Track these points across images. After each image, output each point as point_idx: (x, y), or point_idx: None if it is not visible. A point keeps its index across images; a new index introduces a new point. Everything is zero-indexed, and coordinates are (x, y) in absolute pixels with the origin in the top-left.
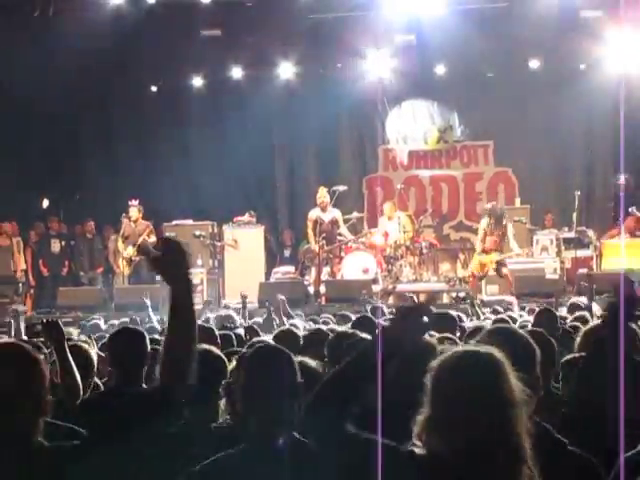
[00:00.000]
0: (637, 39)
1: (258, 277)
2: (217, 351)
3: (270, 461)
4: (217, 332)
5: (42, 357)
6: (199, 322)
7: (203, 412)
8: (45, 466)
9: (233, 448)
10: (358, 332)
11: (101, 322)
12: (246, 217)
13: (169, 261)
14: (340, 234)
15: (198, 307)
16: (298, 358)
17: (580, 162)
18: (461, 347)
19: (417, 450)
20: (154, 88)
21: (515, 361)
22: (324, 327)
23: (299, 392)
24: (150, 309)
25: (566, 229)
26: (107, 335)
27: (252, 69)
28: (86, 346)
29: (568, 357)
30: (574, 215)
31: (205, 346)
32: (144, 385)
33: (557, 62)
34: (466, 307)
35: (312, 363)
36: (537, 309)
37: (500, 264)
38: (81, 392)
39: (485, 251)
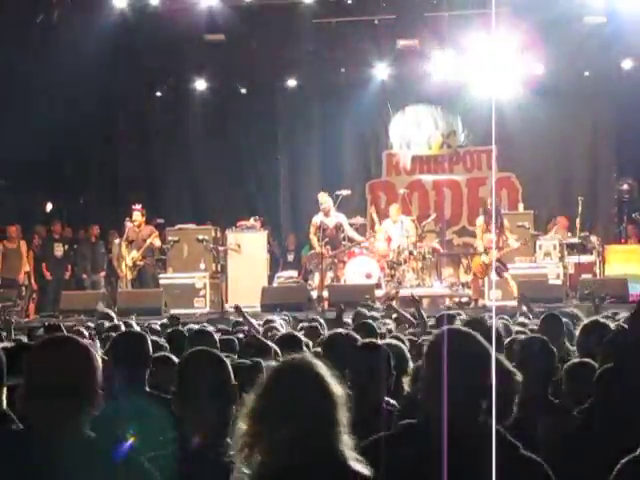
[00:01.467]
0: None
1: (261, 281)
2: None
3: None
4: (216, 336)
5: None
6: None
7: None
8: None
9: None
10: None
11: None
12: (251, 222)
13: None
14: (347, 238)
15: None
16: None
17: (583, 167)
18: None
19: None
20: (158, 93)
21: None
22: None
23: (233, 395)
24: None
25: (569, 234)
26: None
27: (256, 75)
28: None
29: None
30: (577, 221)
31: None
32: (147, 388)
33: (560, 67)
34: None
35: None
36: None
37: (501, 266)
38: None
39: (485, 250)
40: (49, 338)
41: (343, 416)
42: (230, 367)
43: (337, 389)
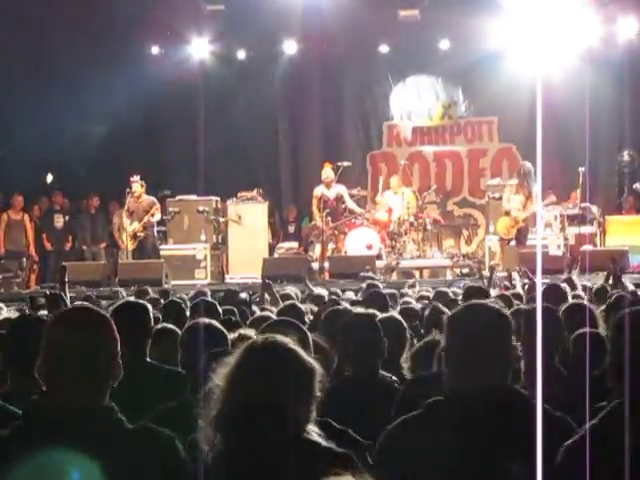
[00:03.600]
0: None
1: (262, 253)
2: (218, 325)
3: None
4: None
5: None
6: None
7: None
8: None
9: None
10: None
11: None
12: (252, 193)
13: None
14: (347, 209)
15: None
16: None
17: (584, 138)
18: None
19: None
20: (155, 50)
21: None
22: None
23: None
24: None
25: (570, 205)
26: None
27: (255, 45)
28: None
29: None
30: (578, 191)
31: (207, 320)
32: (148, 359)
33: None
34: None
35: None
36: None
37: (522, 231)
38: None
39: (511, 211)
40: (69, 309)
41: (309, 391)
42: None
43: (304, 365)
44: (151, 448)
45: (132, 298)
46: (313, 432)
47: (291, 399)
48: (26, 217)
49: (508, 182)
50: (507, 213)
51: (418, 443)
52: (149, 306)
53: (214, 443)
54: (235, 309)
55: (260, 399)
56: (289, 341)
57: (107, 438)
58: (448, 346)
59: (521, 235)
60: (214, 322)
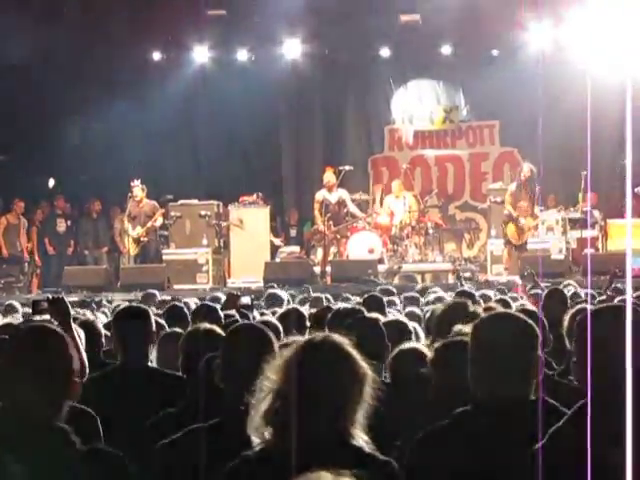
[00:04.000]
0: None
1: (264, 257)
2: (219, 330)
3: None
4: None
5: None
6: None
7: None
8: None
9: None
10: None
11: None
12: (253, 197)
13: None
14: (349, 213)
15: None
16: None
17: (586, 142)
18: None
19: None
20: (157, 55)
21: None
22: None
23: None
24: None
25: (572, 209)
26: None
27: (257, 48)
28: (92, 318)
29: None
30: (580, 195)
31: (207, 325)
32: (150, 364)
33: (561, 39)
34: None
35: None
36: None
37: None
38: (87, 370)
39: (518, 217)
40: (27, 328)
41: (360, 396)
42: (275, 341)
43: (360, 369)
44: (100, 470)
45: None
46: (359, 437)
47: (344, 400)
48: (24, 222)
49: (509, 187)
50: (513, 219)
51: (447, 454)
52: (150, 311)
53: (264, 436)
54: (237, 314)
55: (314, 397)
56: (347, 342)
57: (57, 458)
58: (473, 356)
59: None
60: (214, 327)
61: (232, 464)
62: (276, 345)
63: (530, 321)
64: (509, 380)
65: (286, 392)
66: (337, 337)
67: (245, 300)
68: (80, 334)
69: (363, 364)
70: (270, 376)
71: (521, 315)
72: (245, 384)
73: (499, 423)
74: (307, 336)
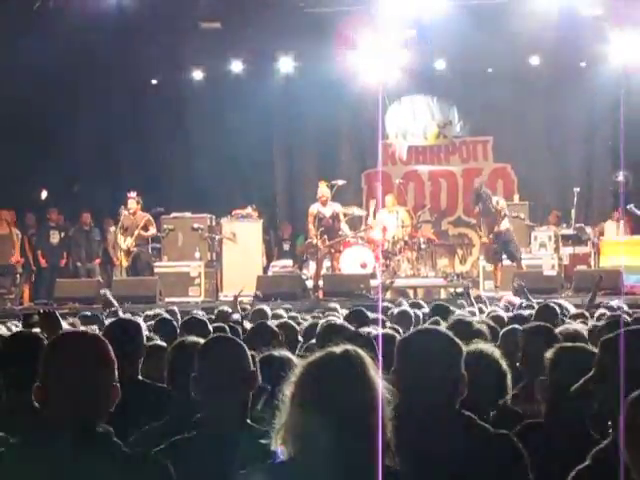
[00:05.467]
0: (637, 37)
1: (256, 270)
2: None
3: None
4: (210, 325)
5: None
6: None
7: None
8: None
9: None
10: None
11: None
12: (246, 210)
13: None
14: (340, 229)
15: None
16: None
17: (579, 159)
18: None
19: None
20: (154, 81)
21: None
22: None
23: (252, 381)
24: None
25: (564, 226)
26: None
27: (252, 63)
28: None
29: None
30: (573, 212)
31: (194, 338)
32: (140, 377)
33: (557, 59)
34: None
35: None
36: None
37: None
38: None
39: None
40: (68, 334)
41: (377, 414)
42: (249, 353)
43: (379, 386)
44: (147, 474)
45: (128, 316)
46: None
47: (364, 415)
48: (17, 232)
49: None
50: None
51: None
52: (142, 324)
53: (289, 451)
54: (226, 326)
55: (330, 412)
56: (366, 356)
57: (104, 463)
58: (397, 368)
59: (489, 252)
60: (200, 340)
61: (251, 474)
62: (249, 358)
63: (455, 339)
64: (427, 393)
65: (299, 405)
66: (358, 351)
67: (235, 317)
68: None
69: (378, 382)
70: (291, 388)
71: (448, 332)
72: (217, 396)
73: (418, 434)
74: (327, 349)
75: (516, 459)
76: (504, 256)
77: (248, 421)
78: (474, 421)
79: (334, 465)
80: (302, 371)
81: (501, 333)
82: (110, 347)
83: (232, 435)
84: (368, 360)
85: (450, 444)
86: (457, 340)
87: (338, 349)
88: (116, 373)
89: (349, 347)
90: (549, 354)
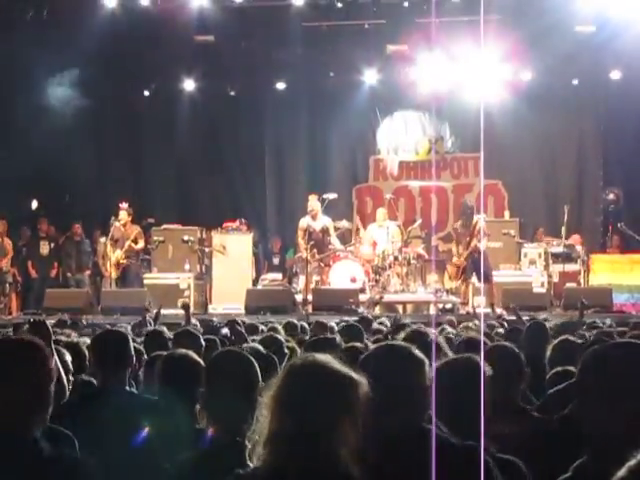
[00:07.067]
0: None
1: (245, 283)
2: (195, 356)
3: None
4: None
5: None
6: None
7: (180, 416)
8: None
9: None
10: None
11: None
12: (237, 223)
13: None
14: (330, 243)
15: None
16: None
17: (570, 176)
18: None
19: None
20: (146, 92)
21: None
22: None
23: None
24: None
25: (555, 243)
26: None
27: (244, 77)
28: (79, 341)
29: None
30: (563, 229)
31: (183, 351)
32: (128, 387)
33: (548, 76)
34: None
35: None
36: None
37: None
38: (67, 392)
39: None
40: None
41: (351, 417)
42: (258, 369)
43: (350, 389)
44: (70, 476)
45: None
46: (347, 461)
47: (329, 422)
48: (8, 242)
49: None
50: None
51: None
52: (129, 335)
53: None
54: (217, 340)
55: (298, 422)
56: (330, 360)
57: (27, 468)
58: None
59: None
60: (190, 353)
61: None
62: (258, 372)
63: (417, 352)
64: (392, 409)
65: (274, 418)
66: (320, 357)
67: (224, 331)
68: (65, 357)
69: (352, 381)
70: (264, 400)
71: (406, 346)
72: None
73: (385, 451)
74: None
75: (487, 472)
76: (474, 274)
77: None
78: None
79: (298, 469)
80: (273, 385)
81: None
82: (44, 353)
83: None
84: (331, 365)
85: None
86: (417, 352)
87: (301, 357)
88: (50, 377)
89: (309, 355)
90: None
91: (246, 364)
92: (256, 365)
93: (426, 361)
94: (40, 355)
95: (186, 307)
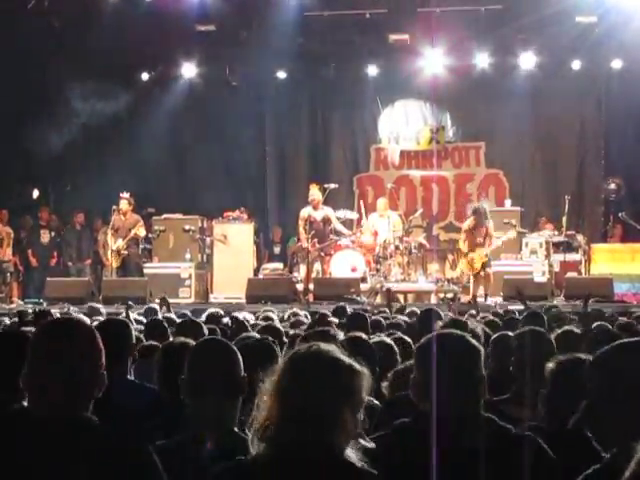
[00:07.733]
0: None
1: (247, 273)
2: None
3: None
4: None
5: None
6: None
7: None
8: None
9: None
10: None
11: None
12: (237, 213)
13: None
14: (334, 231)
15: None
16: None
17: (571, 166)
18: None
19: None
20: (147, 79)
21: None
22: None
23: (242, 388)
24: None
25: (556, 233)
26: None
27: (245, 66)
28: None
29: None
30: (564, 219)
31: (183, 339)
32: (129, 376)
33: (550, 64)
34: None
35: None
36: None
37: (485, 264)
38: None
39: (472, 250)
40: (54, 321)
41: (351, 406)
42: (241, 358)
43: (353, 378)
44: (133, 460)
45: (122, 316)
46: (350, 453)
47: (331, 409)
48: (9, 231)
49: (465, 223)
50: (464, 255)
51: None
52: (130, 324)
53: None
54: (218, 329)
55: (300, 409)
56: (333, 349)
57: (88, 449)
58: (416, 375)
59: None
60: (189, 341)
61: (217, 470)
62: (240, 363)
63: (473, 341)
64: (449, 399)
65: (274, 405)
66: (324, 346)
67: (225, 320)
68: None
69: (354, 370)
70: (264, 389)
71: (465, 335)
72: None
73: (426, 439)
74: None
75: (541, 460)
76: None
77: (235, 429)
78: (496, 422)
79: (299, 458)
80: (275, 373)
81: (492, 338)
82: (97, 334)
83: (214, 439)
84: (334, 355)
85: (472, 444)
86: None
87: (304, 346)
88: (103, 360)
89: (317, 343)
90: (548, 368)
91: (227, 353)
92: (237, 354)
93: (482, 350)
94: (95, 336)
95: (164, 301)
